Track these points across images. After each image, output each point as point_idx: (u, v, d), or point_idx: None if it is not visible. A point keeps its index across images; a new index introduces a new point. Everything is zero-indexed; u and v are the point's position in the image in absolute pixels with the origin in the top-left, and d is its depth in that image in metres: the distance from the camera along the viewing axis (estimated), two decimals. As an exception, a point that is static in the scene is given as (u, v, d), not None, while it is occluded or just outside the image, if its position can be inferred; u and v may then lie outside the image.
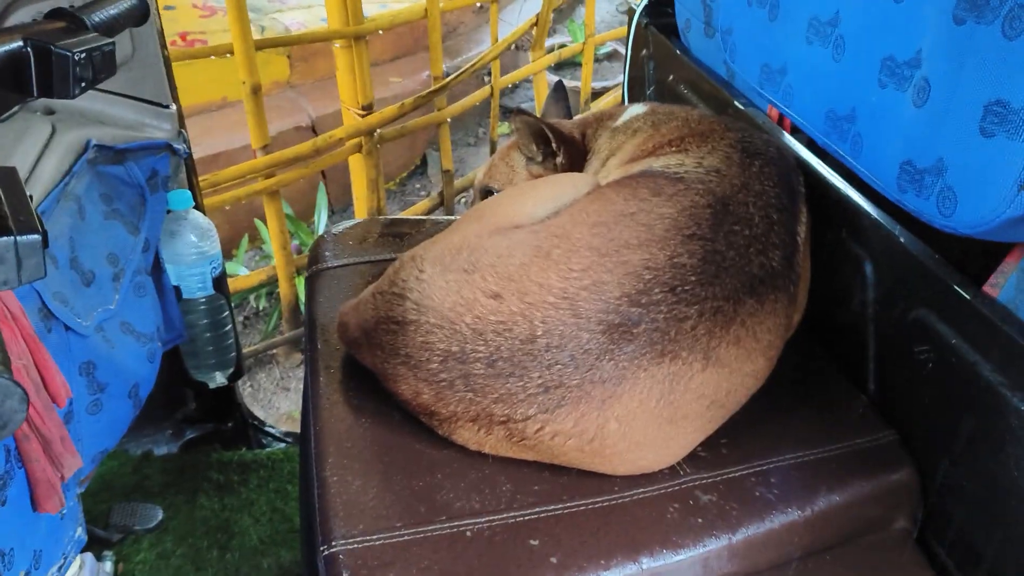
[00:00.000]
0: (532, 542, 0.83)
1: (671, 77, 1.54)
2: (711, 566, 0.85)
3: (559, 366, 0.83)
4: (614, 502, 0.88)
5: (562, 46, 3.91)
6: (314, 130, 3.35)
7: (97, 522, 1.63)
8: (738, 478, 0.91)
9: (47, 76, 0.88)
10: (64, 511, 1.06)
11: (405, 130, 2.68)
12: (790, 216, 0.96)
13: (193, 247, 1.53)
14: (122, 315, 1.32)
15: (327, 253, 1.30)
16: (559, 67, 4.40)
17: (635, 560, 0.82)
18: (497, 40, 3.08)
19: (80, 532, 1.16)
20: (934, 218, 0.82)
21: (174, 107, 1.47)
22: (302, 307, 2.69)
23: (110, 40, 0.99)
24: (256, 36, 2.22)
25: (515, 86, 4.45)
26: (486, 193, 1.18)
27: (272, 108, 3.38)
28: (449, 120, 2.90)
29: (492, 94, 3.15)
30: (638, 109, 1.17)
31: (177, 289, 1.53)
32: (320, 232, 3.02)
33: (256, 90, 2.19)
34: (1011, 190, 0.73)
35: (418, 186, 3.79)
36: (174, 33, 3.21)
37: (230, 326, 1.69)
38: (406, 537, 0.83)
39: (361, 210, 2.70)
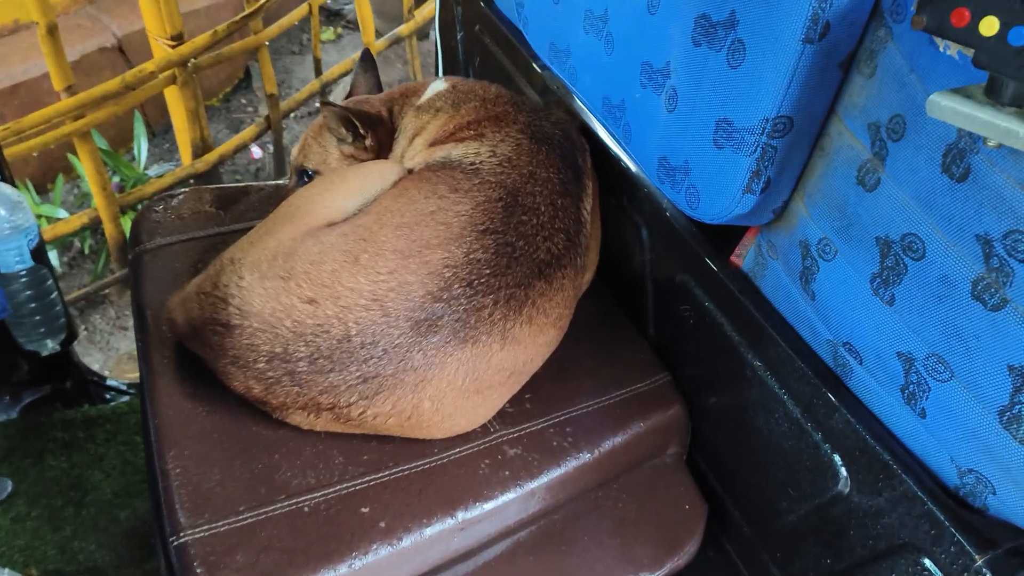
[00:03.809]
0: (363, 510, 0.96)
1: (477, 27, 1.60)
2: (518, 509, 1.00)
3: (374, 359, 0.93)
4: (434, 464, 1.01)
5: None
6: (121, 50, 3.15)
7: (-58, 499, 1.63)
8: (539, 430, 1.06)
9: None
10: None
11: (222, 57, 2.58)
12: (574, 199, 1.08)
13: (5, 222, 1.49)
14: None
15: (149, 232, 1.31)
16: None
17: (452, 515, 0.97)
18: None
19: None
20: (684, 208, 0.97)
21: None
22: (131, 245, 2.62)
23: None
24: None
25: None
26: (301, 172, 1.23)
27: (71, 28, 3.14)
28: (268, 42, 2.81)
29: (311, 11, 3.06)
30: (440, 86, 1.23)
31: (-7, 266, 1.51)
32: (142, 164, 2.92)
33: (52, 30, 2.06)
34: (738, 193, 0.88)
35: (244, 102, 3.66)
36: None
37: (55, 293, 1.67)
38: (249, 520, 0.93)
39: (184, 142, 2.62)
